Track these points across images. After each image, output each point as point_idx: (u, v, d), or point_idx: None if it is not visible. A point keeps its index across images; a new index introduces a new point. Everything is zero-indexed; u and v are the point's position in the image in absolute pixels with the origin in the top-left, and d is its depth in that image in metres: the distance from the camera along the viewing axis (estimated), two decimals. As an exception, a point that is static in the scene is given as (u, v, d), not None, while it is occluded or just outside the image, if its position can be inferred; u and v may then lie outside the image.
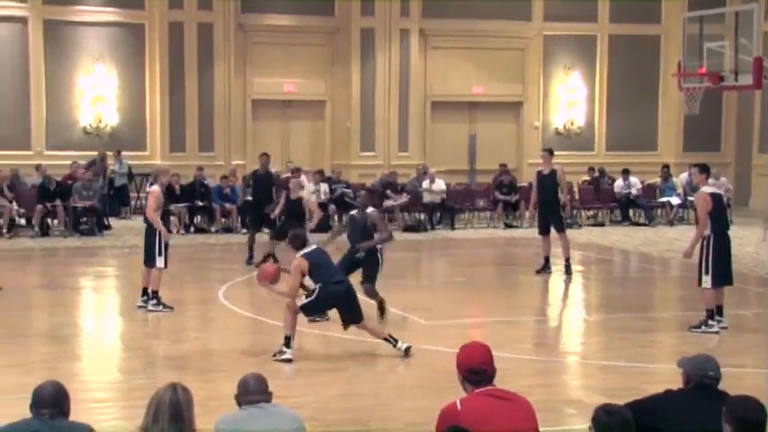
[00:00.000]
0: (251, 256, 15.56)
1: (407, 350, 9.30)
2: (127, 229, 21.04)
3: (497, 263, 17.57)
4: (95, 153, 22.94)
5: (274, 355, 9.14)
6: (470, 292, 13.81)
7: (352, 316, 9.37)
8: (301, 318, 9.75)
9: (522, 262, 16.26)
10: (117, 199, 23.10)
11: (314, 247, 9.39)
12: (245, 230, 20.93)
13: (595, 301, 13.82)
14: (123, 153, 23.35)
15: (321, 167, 23.98)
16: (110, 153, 23.21)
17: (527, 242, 19.27)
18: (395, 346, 9.28)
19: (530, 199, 22.63)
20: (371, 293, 10.87)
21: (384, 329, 9.57)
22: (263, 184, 15.91)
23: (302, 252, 9.26)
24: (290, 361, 9.07)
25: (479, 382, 4.71)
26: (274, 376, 6.02)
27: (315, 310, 9.40)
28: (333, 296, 9.17)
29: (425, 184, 22.66)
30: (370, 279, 10.80)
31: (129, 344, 10.35)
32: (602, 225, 23.27)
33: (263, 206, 15.70)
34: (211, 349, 9.96)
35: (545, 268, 14.88)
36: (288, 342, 9.15)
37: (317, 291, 9.17)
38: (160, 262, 11.65)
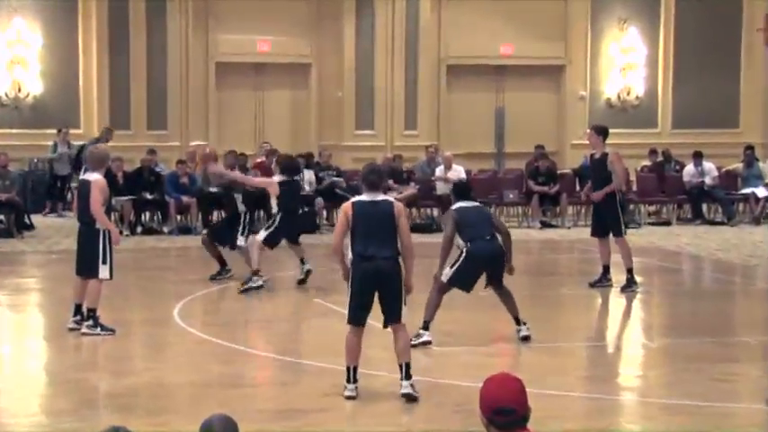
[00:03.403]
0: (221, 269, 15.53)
1: (410, 397, 9.19)
2: (54, 230, 21.05)
3: (532, 272, 17.56)
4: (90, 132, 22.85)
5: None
6: (497, 311, 13.80)
7: (389, 307, 9.22)
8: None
9: (564, 271, 16.27)
10: (55, 192, 23.12)
11: (377, 199, 9.12)
12: (205, 231, 20.94)
13: (659, 322, 13.82)
14: (49, 131, 23.37)
15: (305, 150, 24.02)
16: (43, 131, 23.21)
17: (570, 245, 19.29)
18: (401, 379, 9.22)
19: (574, 191, 22.92)
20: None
21: (409, 355, 9.44)
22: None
23: (357, 198, 9.32)
24: (351, 398, 9.11)
25: (508, 426, 4.70)
26: (247, 418, 6.01)
27: (355, 310, 9.22)
28: (363, 277, 9.07)
29: (439, 171, 22.69)
30: None
31: (58, 377, 10.36)
32: (667, 224, 23.29)
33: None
34: (164, 383, 9.97)
35: (602, 280, 14.86)
36: (348, 375, 9.18)
37: (350, 274, 9.17)
38: (104, 272, 11.66)
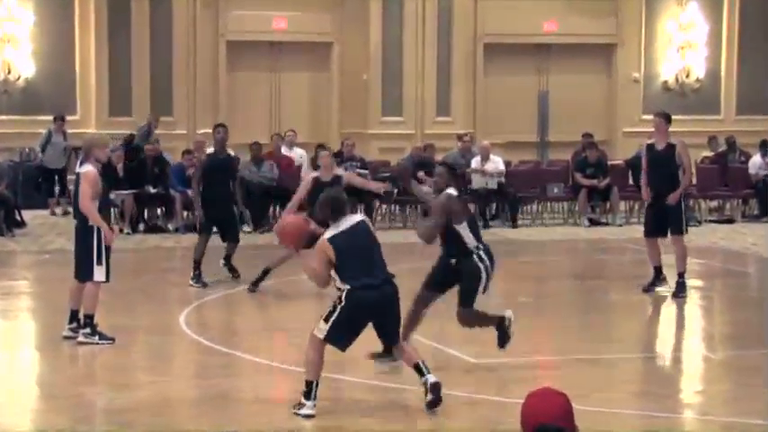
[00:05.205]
0: (198, 274, 15.49)
1: (434, 387, 9.23)
2: (48, 228, 21.14)
3: (579, 276, 17.54)
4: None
5: (294, 407, 9.19)
6: (540, 318, 13.81)
7: (386, 333, 9.42)
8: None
9: (615, 274, 16.25)
10: (49, 185, 23.19)
11: (350, 224, 9.28)
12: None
13: (720, 331, 13.78)
14: (42, 118, 23.46)
15: (325, 139, 24.06)
16: (35, 118, 23.27)
17: (621, 246, 19.25)
18: (423, 375, 9.29)
19: (627, 184, 22.84)
20: (467, 320, 10.73)
21: (418, 354, 9.53)
22: (223, 173, 15.79)
23: (330, 232, 9.30)
24: (310, 417, 9.09)
25: (553, 447, 4.71)
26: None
27: (341, 333, 9.30)
28: (361, 308, 9.17)
29: (475, 162, 22.68)
30: (466, 300, 10.54)
31: (52, 390, 10.41)
32: (730, 221, 23.21)
33: (220, 202, 15.59)
34: (169, 398, 10.01)
35: (656, 283, 14.80)
36: (309, 390, 9.18)
37: (342, 298, 9.24)
38: (99, 273, 11.68)
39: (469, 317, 10.63)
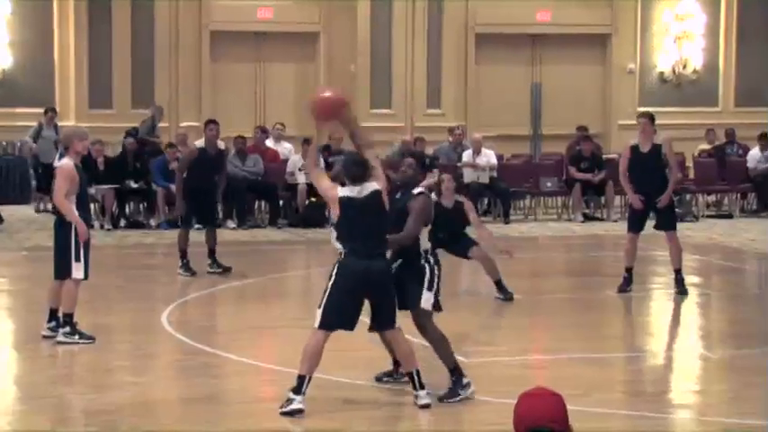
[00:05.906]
0: (186, 263, 15.64)
1: (423, 407, 9.27)
2: (26, 223, 21.10)
3: (573, 272, 17.56)
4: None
5: (282, 406, 9.18)
6: (533, 316, 13.81)
7: (381, 313, 9.34)
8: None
9: (610, 271, 16.26)
10: (43, 180, 23.12)
11: (365, 193, 9.23)
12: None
13: (719, 330, 13.80)
14: (19, 110, 23.43)
15: (312, 131, 23.98)
16: (13, 111, 23.24)
17: (616, 241, 19.23)
18: (415, 389, 9.30)
19: (619, 180, 22.80)
20: (421, 325, 9.84)
21: (416, 361, 9.50)
22: (211, 168, 15.91)
23: (345, 191, 9.31)
24: (299, 412, 9.09)
25: (547, 448, 4.71)
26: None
27: (337, 313, 9.25)
28: (351, 277, 9.13)
29: (467, 156, 22.68)
30: (412, 302, 9.68)
31: (30, 391, 10.39)
32: (728, 216, 23.24)
33: (203, 195, 15.70)
34: (152, 400, 10.00)
35: (629, 283, 14.74)
36: (300, 386, 9.17)
37: (333, 273, 9.22)
38: (78, 270, 11.65)
39: (424, 320, 9.75)
